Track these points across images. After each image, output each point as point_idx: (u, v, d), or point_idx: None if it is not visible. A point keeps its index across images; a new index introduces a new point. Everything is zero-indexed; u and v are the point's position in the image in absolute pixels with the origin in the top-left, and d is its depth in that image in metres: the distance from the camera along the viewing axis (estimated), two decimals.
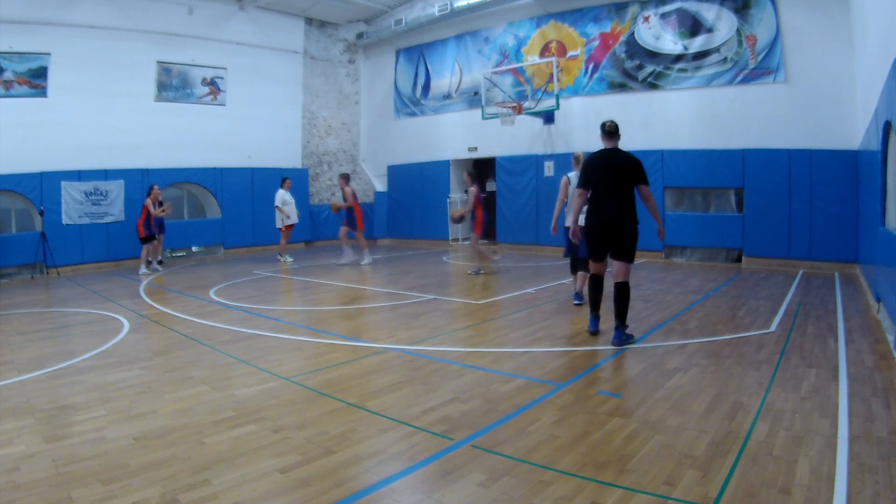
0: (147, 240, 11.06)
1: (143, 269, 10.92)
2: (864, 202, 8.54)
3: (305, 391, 4.12)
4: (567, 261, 7.61)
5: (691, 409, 3.62)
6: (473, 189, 9.74)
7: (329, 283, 9.49)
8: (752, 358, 4.70)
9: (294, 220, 12.73)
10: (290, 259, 12.48)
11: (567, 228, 6.60)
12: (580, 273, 6.96)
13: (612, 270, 5.26)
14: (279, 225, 12.67)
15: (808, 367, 4.42)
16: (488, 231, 15.65)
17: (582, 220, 5.60)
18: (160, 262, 12.02)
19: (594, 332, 5.53)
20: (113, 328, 6.30)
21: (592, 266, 5.40)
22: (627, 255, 5.15)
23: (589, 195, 5.31)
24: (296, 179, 15.69)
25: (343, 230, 11.37)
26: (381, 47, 17.08)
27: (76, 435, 3.37)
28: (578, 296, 7.04)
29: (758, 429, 3.26)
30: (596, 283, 5.40)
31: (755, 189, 10.52)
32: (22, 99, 11.22)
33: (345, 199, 11.10)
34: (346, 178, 11.39)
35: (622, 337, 5.17)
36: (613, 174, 5.15)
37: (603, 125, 5.37)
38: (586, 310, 6.14)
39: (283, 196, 12.50)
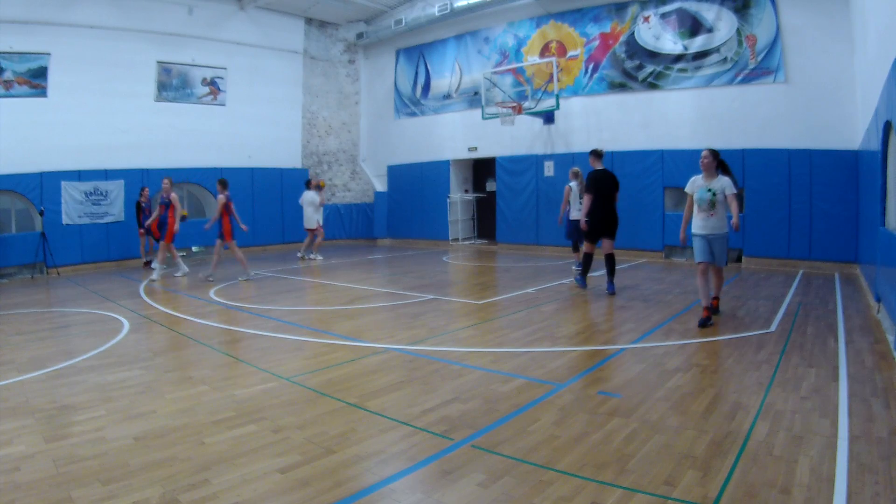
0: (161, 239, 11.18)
1: (156, 265, 10.94)
2: (864, 202, 8.54)
3: (305, 391, 4.12)
4: (570, 244, 10.06)
5: (691, 409, 3.62)
6: (222, 197, 9.47)
7: (329, 283, 9.49)
8: (752, 358, 4.70)
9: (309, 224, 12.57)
10: (319, 258, 12.67)
11: (571, 221, 9.28)
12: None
13: (603, 247, 7.80)
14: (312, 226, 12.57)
15: (808, 367, 4.42)
16: (488, 231, 15.69)
17: (576, 215, 8.81)
18: (147, 264, 11.93)
19: (584, 287, 8.10)
20: (113, 328, 6.30)
21: (588, 246, 7.99)
22: (613, 237, 7.75)
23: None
24: (295, 180, 15.72)
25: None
26: (381, 47, 17.08)
27: (76, 435, 3.37)
28: (580, 264, 9.49)
29: (758, 429, 3.26)
30: (589, 258, 8.05)
31: (755, 189, 10.51)
32: (22, 99, 11.23)
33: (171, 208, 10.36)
34: (169, 181, 10.42)
35: (613, 286, 7.67)
36: (609, 186, 7.71)
37: (597, 152, 8.00)
38: (586, 310, 6.87)
39: (308, 197, 12.46)
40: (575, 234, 9.44)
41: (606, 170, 7.88)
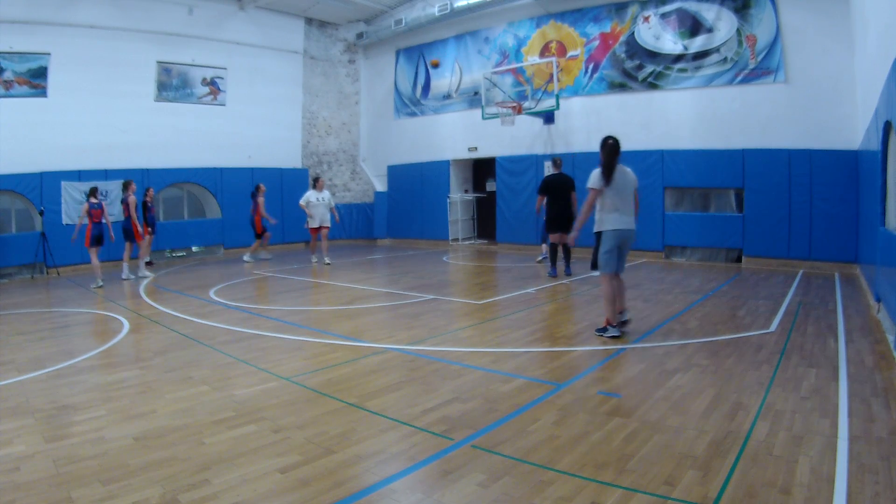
0: (261, 234, 12.50)
1: (246, 257, 12.59)
2: (864, 202, 8.54)
3: (305, 391, 4.12)
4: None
5: (691, 409, 3.62)
6: (85, 205, 9.60)
7: (329, 283, 9.49)
8: (752, 358, 4.70)
9: (314, 223, 11.89)
10: (314, 260, 12.16)
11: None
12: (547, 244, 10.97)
13: (560, 239, 9.15)
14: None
15: (808, 367, 4.42)
16: (488, 231, 15.69)
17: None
18: (149, 264, 11.89)
19: (554, 275, 9.32)
20: (113, 328, 6.30)
21: (553, 237, 9.35)
22: (568, 230, 8.19)
23: (546, 199, 9.27)
24: (296, 180, 15.72)
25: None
26: (381, 47, 17.08)
27: (76, 435, 3.37)
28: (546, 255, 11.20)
29: (758, 429, 3.26)
30: (555, 249, 9.49)
31: (755, 189, 10.51)
32: (22, 99, 11.22)
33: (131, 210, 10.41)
34: (127, 185, 10.39)
35: (570, 269, 9.52)
36: (561, 188, 9.13)
37: (555, 160, 9.77)
38: (586, 310, 6.85)
39: (306, 196, 11.97)
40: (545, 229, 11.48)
41: (562, 174, 9.38)
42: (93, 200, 9.53)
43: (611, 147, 5.30)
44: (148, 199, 12.01)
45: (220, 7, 14.30)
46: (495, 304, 7.38)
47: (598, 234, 5.44)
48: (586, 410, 3.64)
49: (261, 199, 12.32)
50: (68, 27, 11.73)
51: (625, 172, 5.36)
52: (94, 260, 9.62)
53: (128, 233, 10.36)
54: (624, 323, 5.56)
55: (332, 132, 17.39)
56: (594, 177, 5.29)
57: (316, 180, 12.21)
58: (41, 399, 4.02)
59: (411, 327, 6.11)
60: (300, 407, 3.81)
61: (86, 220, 9.59)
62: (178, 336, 5.90)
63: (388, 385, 4.23)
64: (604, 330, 5.46)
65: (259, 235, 12.57)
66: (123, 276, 10.32)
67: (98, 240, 9.56)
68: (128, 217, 10.37)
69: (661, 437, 3.20)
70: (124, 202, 10.34)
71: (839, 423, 3.29)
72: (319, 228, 11.93)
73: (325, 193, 12.04)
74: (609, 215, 5.29)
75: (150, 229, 11.85)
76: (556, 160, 9.75)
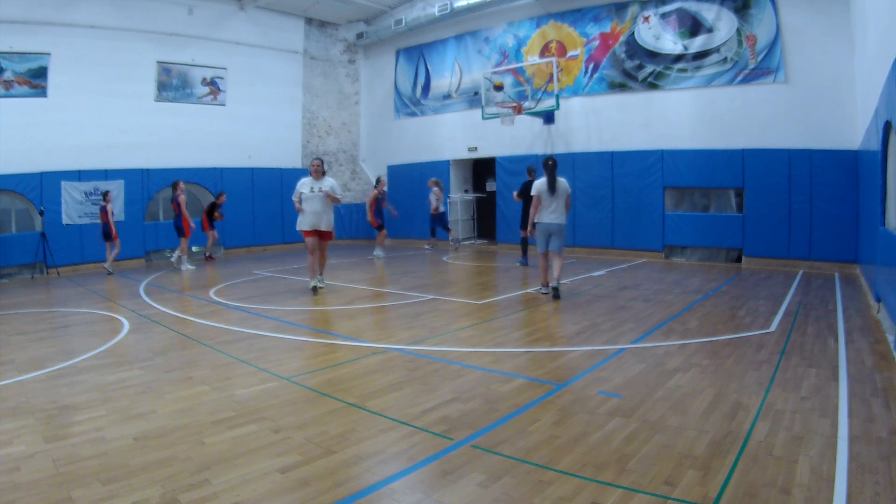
0: (381, 227, 13.12)
1: (377, 252, 12.92)
2: (864, 202, 8.54)
3: (305, 391, 4.12)
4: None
5: (691, 409, 3.62)
6: (184, 197, 11.64)
7: (329, 283, 9.48)
8: (752, 358, 4.70)
9: (304, 224, 8.25)
10: (311, 283, 8.35)
11: (432, 216, 14.21)
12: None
13: (524, 233, 10.23)
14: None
15: (808, 367, 4.42)
16: (489, 231, 15.68)
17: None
18: (209, 258, 13.18)
19: (525, 264, 10.74)
20: (113, 328, 6.30)
21: (523, 233, 10.53)
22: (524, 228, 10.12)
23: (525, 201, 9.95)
24: (296, 180, 15.67)
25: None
26: (381, 47, 17.08)
27: (76, 435, 3.37)
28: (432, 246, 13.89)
29: (758, 429, 3.26)
30: (525, 242, 10.90)
31: (755, 189, 10.51)
32: (22, 99, 11.23)
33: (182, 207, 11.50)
34: (175, 185, 11.74)
35: (526, 260, 10.88)
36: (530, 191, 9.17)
37: (530, 169, 10.62)
38: (586, 310, 6.88)
39: (297, 187, 8.54)
40: (433, 224, 13.86)
41: (532, 180, 9.58)
42: (102, 203, 11.10)
43: (550, 167, 7.32)
44: (219, 201, 13.00)
45: (220, 7, 14.30)
46: (495, 304, 7.38)
47: (534, 224, 7.56)
48: (586, 410, 3.64)
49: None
50: (68, 27, 11.73)
51: (560, 183, 7.32)
52: (108, 252, 11.20)
53: (179, 229, 11.50)
54: (553, 290, 7.45)
55: (332, 132, 17.40)
56: (537, 186, 7.37)
57: (312, 163, 8.45)
58: (41, 399, 4.02)
59: (411, 327, 6.11)
60: (300, 407, 3.81)
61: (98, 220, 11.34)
62: (178, 336, 5.90)
63: (388, 385, 4.23)
64: (538, 288, 7.85)
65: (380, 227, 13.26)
66: (182, 268, 11.37)
67: (104, 236, 11.12)
68: (178, 215, 11.41)
69: (661, 437, 3.20)
70: (175, 201, 11.49)
71: (839, 423, 3.29)
72: (317, 234, 8.24)
73: (327, 182, 8.27)
74: (541, 213, 7.40)
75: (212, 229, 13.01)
76: (531, 168, 10.66)
